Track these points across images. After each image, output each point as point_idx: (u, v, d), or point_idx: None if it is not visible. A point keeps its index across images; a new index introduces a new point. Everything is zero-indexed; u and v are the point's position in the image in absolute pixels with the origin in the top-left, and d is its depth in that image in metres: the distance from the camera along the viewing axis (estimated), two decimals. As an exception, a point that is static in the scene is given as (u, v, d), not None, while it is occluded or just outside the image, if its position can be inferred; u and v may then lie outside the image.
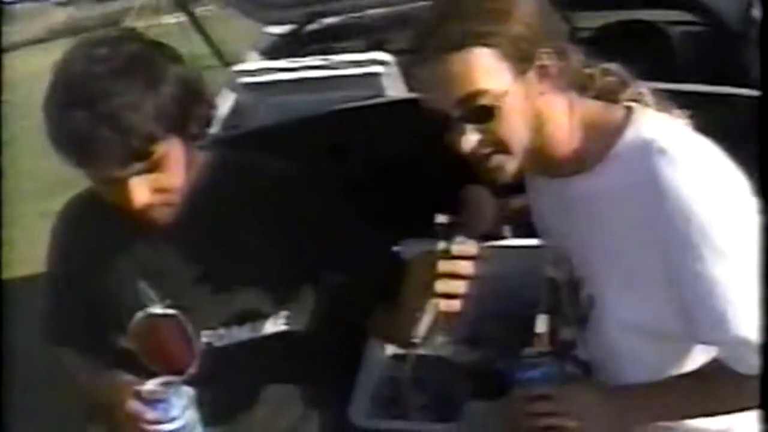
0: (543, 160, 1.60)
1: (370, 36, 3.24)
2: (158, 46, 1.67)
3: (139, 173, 1.60)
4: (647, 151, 1.50)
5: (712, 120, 1.59)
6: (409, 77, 1.56)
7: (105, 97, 1.53)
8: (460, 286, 1.50)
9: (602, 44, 2.88)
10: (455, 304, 1.51)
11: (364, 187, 2.00)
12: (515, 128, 1.52)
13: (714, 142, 1.53)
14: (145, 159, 1.59)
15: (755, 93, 2.36)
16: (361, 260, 1.81)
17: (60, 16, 13.02)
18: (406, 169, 2.54)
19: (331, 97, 2.64)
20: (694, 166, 1.48)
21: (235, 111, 2.94)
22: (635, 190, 1.51)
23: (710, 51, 2.82)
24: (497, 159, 1.54)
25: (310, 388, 1.93)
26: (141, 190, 1.61)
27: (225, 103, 2.95)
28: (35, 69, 3.51)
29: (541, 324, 2.20)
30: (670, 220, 1.46)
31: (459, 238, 1.51)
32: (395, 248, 2.06)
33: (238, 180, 1.80)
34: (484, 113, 1.50)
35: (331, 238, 1.80)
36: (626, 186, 1.52)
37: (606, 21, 3.12)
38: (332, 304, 1.86)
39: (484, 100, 1.49)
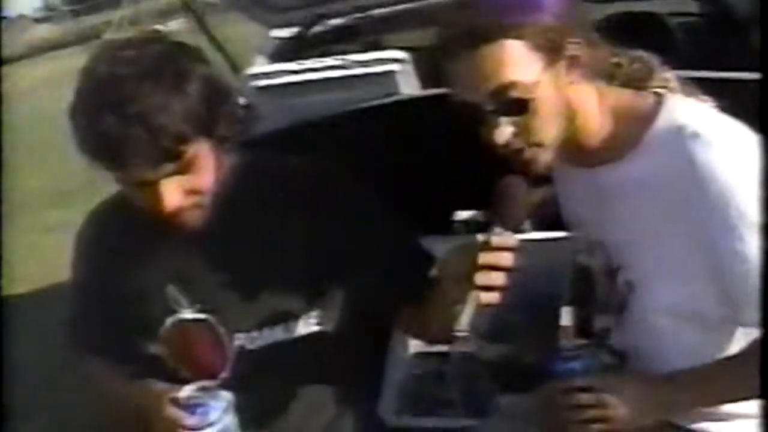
0: (575, 150, 1.60)
1: (376, 35, 3.23)
2: (183, 46, 1.66)
3: (169, 175, 1.59)
4: (681, 136, 1.51)
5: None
6: (438, 72, 1.54)
7: (134, 99, 1.52)
8: (500, 278, 1.49)
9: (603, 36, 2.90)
10: (496, 296, 1.50)
11: (384, 186, 1.99)
12: (548, 119, 1.52)
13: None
14: (176, 160, 1.57)
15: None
16: (390, 258, 1.80)
17: (40, 31, 13.00)
18: (423, 167, 2.52)
19: (346, 97, 2.63)
20: (729, 149, 1.49)
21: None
22: (670, 175, 1.51)
23: (714, 41, 2.81)
24: (531, 151, 1.54)
25: (342, 387, 1.92)
26: (172, 192, 1.60)
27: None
28: (20, 84, 3.49)
29: (566, 316, 2.20)
30: (708, 203, 1.47)
31: (497, 230, 1.50)
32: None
33: (265, 181, 1.79)
34: (517, 105, 1.50)
35: (358, 237, 1.79)
36: (661, 172, 1.53)
37: (606, 12, 3.11)
38: (362, 303, 1.84)
39: (516, 92, 1.49)
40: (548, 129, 1.53)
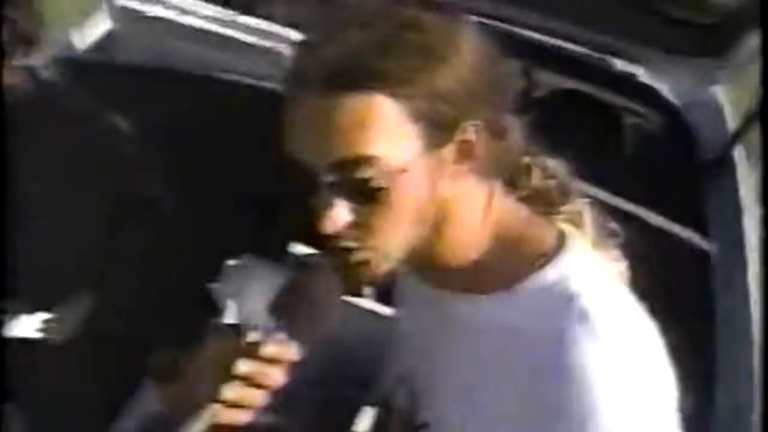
0: (431, 267, 1.17)
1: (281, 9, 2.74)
2: None
3: None
4: (567, 309, 1.07)
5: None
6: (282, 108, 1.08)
7: None
8: (255, 398, 1.05)
9: (554, 107, 2.47)
10: (242, 418, 1.06)
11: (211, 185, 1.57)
12: (402, 221, 1.08)
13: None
14: None
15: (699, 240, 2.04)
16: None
17: None
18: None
19: (222, 60, 2.14)
20: (613, 350, 1.05)
21: (109, 38, 2.41)
22: (535, 344, 1.08)
23: (668, 163, 2.45)
24: (365, 254, 1.10)
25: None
26: None
27: (98, 27, 2.44)
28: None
29: (365, 420, 1.81)
30: (564, 401, 1.03)
31: (278, 334, 1.06)
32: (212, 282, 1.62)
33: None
34: (365, 190, 1.05)
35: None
36: (527, 333, 1.09)
37: (565, 88, 2.71)
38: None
39: (370, 172, 1.03)
40: (398, 234, 1.09)
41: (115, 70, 2.14)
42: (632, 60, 2.48)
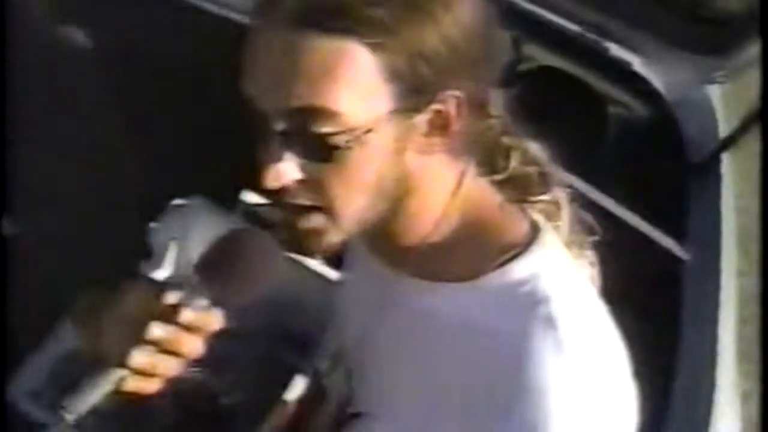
0: (387, 245, 1.06)
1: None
2: None
3: None
4: (533, 312, 0.98)
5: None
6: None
7: None
8: (168, 366, 0.93)
9: (537, 85, 2.37)
10: (150, 387, 0.94)
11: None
12: (358, 188, 0.96)
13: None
14: None
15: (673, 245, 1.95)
16: None
17: None
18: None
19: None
20: (575, 366, 0.96)
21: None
22: (493, 345, 0.98)
23: (650, 160, 2.35)
24: (315, 219, 0.97)
25: None
26: None
27: None
28: None
29: (296, 389, 1.70)
30: (516, 409, 0.95)
31: (200, 300, 0.92)
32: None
33: None
34: (321, 147, 0.93)
35: None
36: (486, 331, 0.99)
37: (553, 66, 2.58)
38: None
39: (329, 128, 0.91)
40: (352, 201, 0.97)
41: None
42: (629, 47, 2.36)
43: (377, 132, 0.93)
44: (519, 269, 1.01)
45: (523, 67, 2.53)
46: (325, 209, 0.97)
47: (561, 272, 1.04)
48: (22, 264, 1.33)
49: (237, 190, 1.75)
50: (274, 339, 1.84)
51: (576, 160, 2.09)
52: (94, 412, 1.21)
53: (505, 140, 1.13)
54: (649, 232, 1.99)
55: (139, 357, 0.91)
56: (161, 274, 0.97)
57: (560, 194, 1.15)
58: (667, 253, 2.00)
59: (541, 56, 2.51)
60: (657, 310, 1.93)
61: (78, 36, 1.56)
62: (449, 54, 0.93)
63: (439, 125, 0.98)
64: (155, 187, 1.57)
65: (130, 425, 1.56)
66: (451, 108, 0.97)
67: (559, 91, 2.52)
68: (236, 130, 1.02)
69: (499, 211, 1.07)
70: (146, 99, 1.67)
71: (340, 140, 0.92)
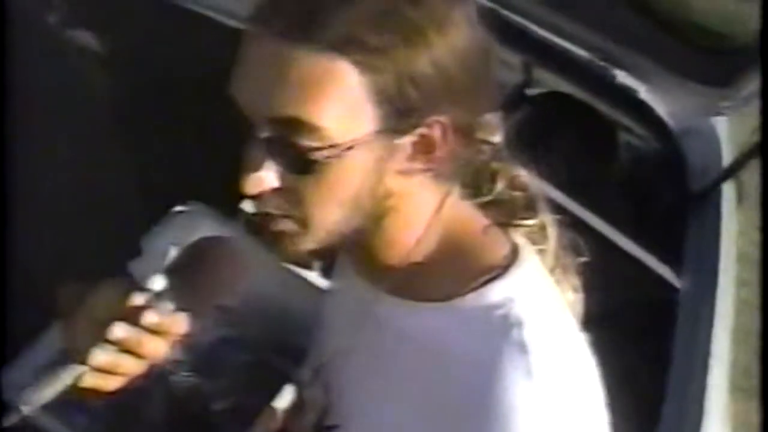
0: (367, 262, 1.07)
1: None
2: None
3: None
4: (506, 336, 0.97)
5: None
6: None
7: None
8: (127, 367, 0.95)
9: (546, 109, 2.45)
10: (109, 385, 0.96)
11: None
12: (333, 201, 0.97)
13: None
14: None
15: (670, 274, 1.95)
16: None
17: None
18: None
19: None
20: (545, 392, 0.96)
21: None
22: (464, 368, 0.98)
23: (653, 188, 2.36)
24: (285, 226, 0.99)
25: None
26: None
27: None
28: None
29: (286, 396, 1.71)
30: (483, 430, 0.94)
31: (166, 304, 0.94)
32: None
33: None
34: (300, 158, 0.94)
35: None
36: (458, 354, 0.99)
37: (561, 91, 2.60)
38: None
39: (309, 140, 0.92)
40: (325, 213, 0.98)
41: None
42: (636, 75, 2.37)
43: (358, 150, 0.94)
44: (495, 292, 1.01)
45: (533, 91, 2.55)
46: (297, 218, 0.98)
47: (537, 297, 1.03)
48: (20, 264, 1.35)
49: (237, 198, 1.76)
50: (267, 346, 1.85)
51: (581, 184, 2.11)
52: (86, 412, 1.24)
53: (494, 165, 1.12)
54: (644, 259, 1.99)
55: (100, 355, 0.92)
56: (159, 281, 0.98)
57: (547, 219, 1.14)
58: (662, 280, 2.00)
59: (550, 81, 2.53)
60: (650, 337, 1.94)
61: (86, 40, 1.58)
62: (439, 79, 0.94)
63: (423, 149, 0.98)
64: (156, 192, 1.59)
65: (120, 427, 1.58)
66: (436, 133, 0.97)
67: (567, 116, 2.53)
68: (239, 138, 1.03)
69: (481, 234, 1.07)
70: (149, 104, 1.69)
71: (319, 155, 0.93)
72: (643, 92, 2.37)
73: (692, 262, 2.06)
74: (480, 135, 1.04)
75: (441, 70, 0.93)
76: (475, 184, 1.11)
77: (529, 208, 1.13)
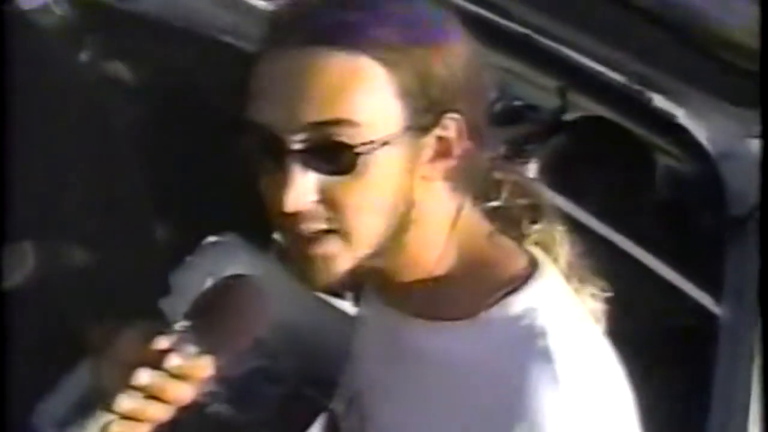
0: (388, 284, 1.08)
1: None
2: None
3: None
4: (531, 346, 0.99)
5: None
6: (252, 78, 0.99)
7: None
8: (154, 413, 0.95)
9: (583, 133, 2.45)
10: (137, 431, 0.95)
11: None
12: (376, 203, 0.98)
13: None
14: None
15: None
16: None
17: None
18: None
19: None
20: (572, 398, 0.97)
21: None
22: (493, 382, 0.99)
23: (691, 213, 2.33)
24: (331, 242, 0.99)
25: None
26: None
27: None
28: None
29: (319, 427, 1.70)
30: None
31: (189, 347, 0.94)
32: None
33: None
34: (340, 158, 0.95)
35: None
36: (486, 369, 1.00)
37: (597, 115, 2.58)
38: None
39: (349, 137, 0.94)
40: (369, 219, 0.99)
41: (129, 17, 2.03)
42: (672, 99, 2.35)
43: (392, 147, 0.96)
44: (516, 304, 1.02)
45: (570, 116, 2.54)
46: (341, 231, 0.99)
47: (559, 306, 1.05)
48: (42, 298, 1.35)
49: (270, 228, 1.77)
50: (300, 376, 1.85)
51: (618, 210, 2.08)
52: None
53: (497, 175, 1.16)
54: (683, 286, 1.97)
55: (126, 402, 0.92)
56: (184, 323, 0.99)
57: (556, 225, 1.16)
58: (701, 308, 1.97)
59: (586, 105, 2.52)
60: (689, 365, 1.91)
61: (117, 71, 1.59)
62: (451, 80, 0.98)
63: (442, 151, 1.01)
64: (186, 224, 1.60)
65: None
66: (452, 132, 1.00)
67: (604, 141, 2.52)
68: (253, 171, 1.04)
69: (496, 245, 1.09)
70: (179, 133, 1.70)
71: (360, 150, 0.94)
72: (681, 116, 2.35)
73: (732, 289, 2.03)
74: (484, 138, 1.06)
75: (452, 72, 0.98)
76: (483, 194, 1.13)
77: (534, 215, 1.14)
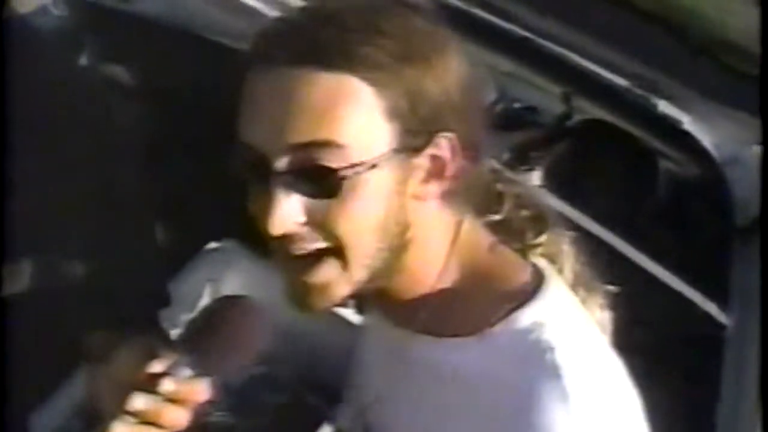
0: (389, 302, 1.07)
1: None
2: None
3: None
4: (539, 361, 0.98)
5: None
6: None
7: None
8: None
9: (587, 138, 2.45)
10: None
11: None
12: (365, 226, 0.96)
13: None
14: None
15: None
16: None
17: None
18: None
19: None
20: (582, 412, 0.96)
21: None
22: (501, 397, 0.98)
23: (696, 220, 2.31)
24: (327, 267, 0.96)
25: None
26: None
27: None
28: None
29: None
30: None
31: (184, 370, 0.91)
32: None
33: None
34: (325, 181, 0.93)
35: None
36: (494, 385, 0.99)
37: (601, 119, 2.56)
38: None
39: (333, 160, 0.91)
40: (361, 238, 0.97)
41: (128, 18, 2.02)
42: (678, 104, 2.33)
43: (380, 169, 0.94)
44: (523, 319, 1.01)
45: (574, 121, 2.52)
46: (335, 249, 0.96)
47: (566, 319, 1.03)
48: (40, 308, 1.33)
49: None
50: (302, 384, 1.84)
51: (622, 216, 2.06)
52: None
53: (498, 186, 1.14)
54: (689, 294, 1.95)
55: (120, 429, 0.91)
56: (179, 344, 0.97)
57: (560, 235, 1.15)
58: (707, 316, 1.96)
59: (591, 110, 2.50)
60: (697, 374, 1.89)
61: (116, 74, 1.58)
62: (443, 98, 0.96)
63: (436, 170, 0.99)
64: (186, 230, 1.58)
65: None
66: (445, 152, 0.98)
67: (608, 145, 2.50)
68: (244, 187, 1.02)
69: (500, 259, 1.07)
70: (179, 136, 1.68)
71: (345, 173, 0.92)
72: (687, 122, 2.34)
73: (739, 298, 2.01)
74: (480, 154, 1.04)
75: (444, 90, 0.96)
76: (484, 207, 1.12)
77: (538, 225, 1.13)
